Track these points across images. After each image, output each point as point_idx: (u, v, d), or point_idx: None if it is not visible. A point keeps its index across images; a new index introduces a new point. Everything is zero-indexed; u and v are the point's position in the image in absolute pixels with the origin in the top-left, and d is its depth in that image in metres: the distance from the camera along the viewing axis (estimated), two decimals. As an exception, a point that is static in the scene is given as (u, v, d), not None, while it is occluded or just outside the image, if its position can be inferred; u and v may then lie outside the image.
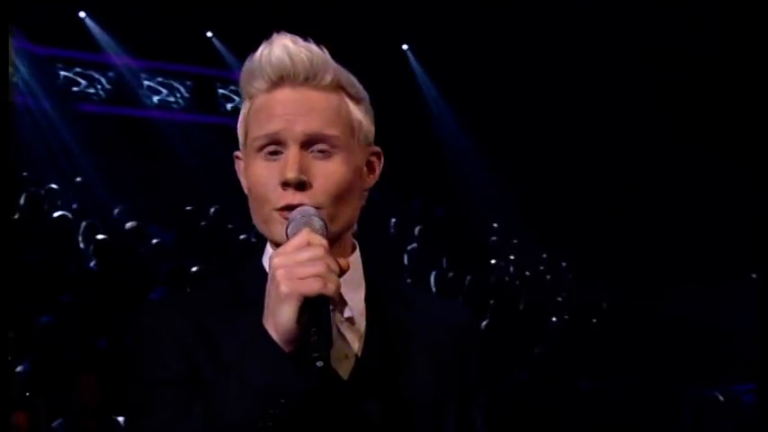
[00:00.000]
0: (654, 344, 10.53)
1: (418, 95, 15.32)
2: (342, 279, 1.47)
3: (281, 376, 1.38)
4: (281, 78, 1.55)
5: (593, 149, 13.59)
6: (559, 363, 9.76)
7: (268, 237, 1.54)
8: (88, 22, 13.66)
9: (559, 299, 11.63)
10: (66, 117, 13.39)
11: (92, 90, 14.24)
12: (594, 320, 11.45)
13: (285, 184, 1.51)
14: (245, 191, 1.60)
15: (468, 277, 11.33)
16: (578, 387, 9.26)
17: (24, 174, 10.85)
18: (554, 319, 11.01)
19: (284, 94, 1.55)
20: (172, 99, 14.14)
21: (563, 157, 13.69)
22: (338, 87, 1.58)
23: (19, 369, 6.66)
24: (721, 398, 9.96)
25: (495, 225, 13.67)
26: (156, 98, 14.39)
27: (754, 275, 11.11)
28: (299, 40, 1.57)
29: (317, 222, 1.47)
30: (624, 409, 9.34)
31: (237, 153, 1.64)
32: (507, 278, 12.31)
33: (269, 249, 1.56)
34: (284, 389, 1.38)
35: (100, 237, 9.02)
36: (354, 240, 1.63)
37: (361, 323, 1.57)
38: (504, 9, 13.17)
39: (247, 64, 1.59)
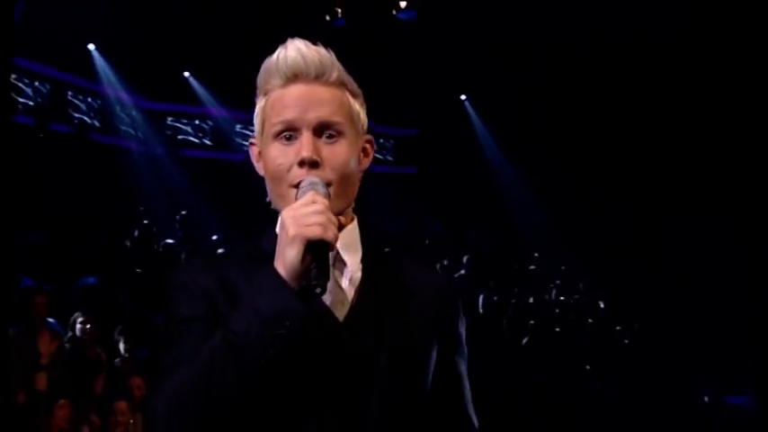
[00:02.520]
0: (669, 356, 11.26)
1: (474, 140, 15.97)
2: (343, 244, 1.67)
3: (286, 304, 1.51)
4: (295, 76, 1.68)
5: (628, 191, 13.96)
6: (578, 369, 10.75)
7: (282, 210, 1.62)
8: (191, 80, 14.82)
9: (590, 320, 12.26)
10: (173, 161, 14.28)
11: (194, 138, 15.27)
12: (625, 340, 12.11)
13: (301, 163, 1.63)
14: (261, 173, 1.72)
15: (513, 300, 11.87)
16: (588, 387, 10.25)
17: (140, 208, 11.87)
18: (584, 337, 11.61)
19: (298, 89, 1.67)
20: (260, 145, 15.06)
21: (604, 193, 14.09)
22: (341, 84, 1.71)
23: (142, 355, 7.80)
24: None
25: (536, 254, 14.06)
26: (247, 143, 14.84)
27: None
28: (310, 44, 1.69)
29: (322, 188, 1.61)
30: (629, 407, 10.18)
31: (252, 140, 1.77)
32: (548, 301, 12.81)
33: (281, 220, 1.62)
34: (289, 314, 1.50)
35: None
36: (353, 214, 1.76)
37: (357, 278, 1.70)
38: (551, 64, 13.75)
39: (265, 65, 1.70)
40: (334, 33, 12.61)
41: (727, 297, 12.12)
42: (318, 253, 1.53)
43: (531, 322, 11.22)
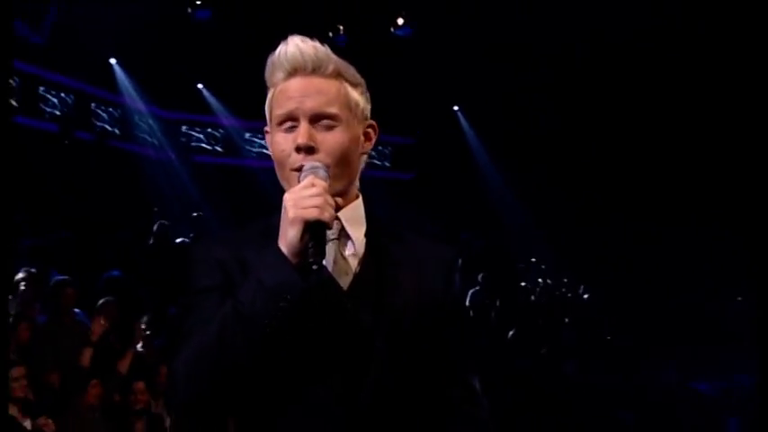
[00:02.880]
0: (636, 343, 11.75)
1: (466, 148, 16.33)
2: (347, 219, 1.76)
3: (287, 278, 1.60)
4: (295, 69, 1.75)
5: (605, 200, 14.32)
6: (557, 358, 11.20)
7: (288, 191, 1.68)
8: (204, 92, 15.18)
9: (567, 319, 12.72)
10: (186, 165, 14.69)
11: (206, 145, 15.65)
12: (605, 332, 12.57)
13: (298, 149, 1.72)
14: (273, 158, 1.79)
15: (500, 295, 12.07)
16: (563, 371, 10.78)
17: (155, 209, 11.95)
18: (564, 331, 12.20)
19: (297, 82, 1.75)
20: (267, 150, 14.75)
21: (588, 197, 14.55)
22: (339, 75, 1.77)
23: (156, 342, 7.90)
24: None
25: (526, 255, 14.43)
26: (254, 150, 15.58)
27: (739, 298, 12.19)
28: (308, 40, 1.76)
29: (322, 172, 1.69)
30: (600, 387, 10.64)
31: (266, 129, 1.84)
32: (533, 297, 13.25)
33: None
34: (289, 288, 1.60)
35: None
36: (359, 192, 1.83)
37: (361, 251, 1.77)
38: (539, 76, 14.06)
39: (270, 60, 1.78)
40: (337, 49, 12.34)
41: (712, 298, 12.64)
42: (315, 233, 1.61)
43: (517, 316, 11.71)
